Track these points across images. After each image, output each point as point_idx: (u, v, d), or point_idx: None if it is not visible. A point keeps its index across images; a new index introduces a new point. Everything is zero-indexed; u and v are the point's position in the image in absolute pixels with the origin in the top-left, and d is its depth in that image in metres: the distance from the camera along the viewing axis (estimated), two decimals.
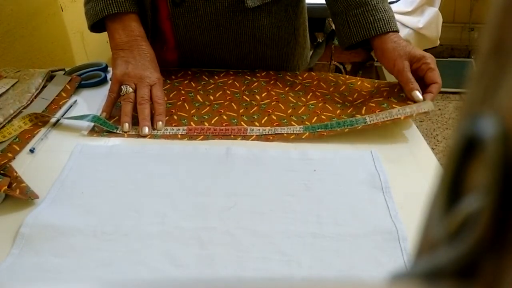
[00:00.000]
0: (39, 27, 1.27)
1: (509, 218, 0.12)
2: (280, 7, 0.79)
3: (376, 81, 0.78)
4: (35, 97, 0.74)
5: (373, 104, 0.68)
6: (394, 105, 0.66)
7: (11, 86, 0.75)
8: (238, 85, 0.78)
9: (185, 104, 0.73)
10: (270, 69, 0.83)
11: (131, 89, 0.68)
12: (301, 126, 0.67)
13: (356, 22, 0.72)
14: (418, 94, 0.66)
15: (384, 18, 0.70)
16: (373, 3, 0.71)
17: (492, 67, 0.13)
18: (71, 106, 0.73)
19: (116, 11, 0.71)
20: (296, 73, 0.83)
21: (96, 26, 0.75)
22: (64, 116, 0.69)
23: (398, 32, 0.72)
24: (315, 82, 0.79)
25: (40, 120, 0.68)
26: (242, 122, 0.68)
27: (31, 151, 0.62)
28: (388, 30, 0.70)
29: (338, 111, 0.71)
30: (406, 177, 0.58)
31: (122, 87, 0.69)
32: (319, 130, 0.65)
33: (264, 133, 0.66)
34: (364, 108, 0.68)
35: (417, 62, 0.68)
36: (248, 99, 0.74)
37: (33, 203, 0.53)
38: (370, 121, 0.64)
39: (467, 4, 2.39)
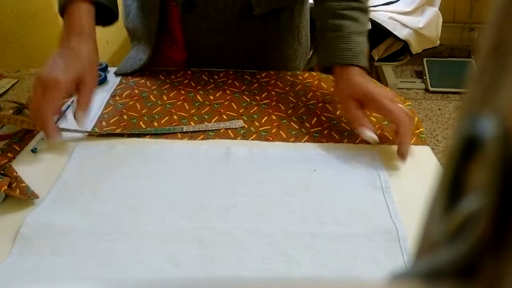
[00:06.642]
0: (39, 27, 1.27)
1: (509, 218, 0.12)
2: (286, 12, 0.80)
3: (377, 83, 0.78)
4: None
5: (374, 119, 0.69)
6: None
7: (11, 86, 0.75)
8: (238, 85, 0.78)
9: (185, 103, 0.73)
10: (275, 70, 0.83)
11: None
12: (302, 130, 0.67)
13: (328, 46, 0.68)
14: (365, 132, 0.61)
15: (353, 49, 0.65)
16: (347, 31, 0.66)
17: (492, 67, 0.13)
18: (69, 106, 0.72)
19: None
20: (296, 73, 0.83)
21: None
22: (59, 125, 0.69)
23: (366, 69, 0.66)
24: (315, 82, 0.79)
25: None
26: (242, 122, 0.68)
27: (33, 151, 0.62)
28: (352, 63, 0.64)
29: (338, 112, 0.71)
30: (406, 177, 0.58)
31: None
32: (317, 136, 0.66)
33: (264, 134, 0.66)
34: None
35: (372, 101, 0.62)
36: (248, 99, 0.74)
37: (33, 203, 0.53)
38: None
39: (467, 4, 2.39)
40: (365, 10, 0.69)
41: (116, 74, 0.80)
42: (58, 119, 0.68)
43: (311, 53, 1.78)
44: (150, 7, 0.77)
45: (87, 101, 0.63)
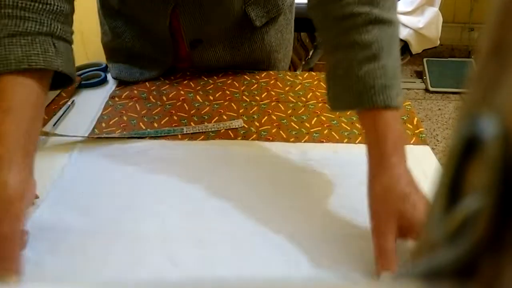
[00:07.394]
0: None
1: (509, 218, 0.12)
2: (282, 15, 0.82)
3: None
4: None
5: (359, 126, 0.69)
6: None
7: None
8: (237, 85, 0.78)
9: (185, 104, 0.73)
10: (277, 69, 0.85)
11: None
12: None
13: (334, 85, 0.53)
14: (383, 273, 0.42)
15: (362, 90, 0.48)
16: (353, 63, 0.49)
17: (492, 67, 0.13)
18: (68, 107, 0.72)
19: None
20: (296, 73, 0.83)
21: None
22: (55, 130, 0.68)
23: (395, 108, 0.48)
24: (315, 82, 0.80)
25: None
26: (242, 122, 0.69)
27: None
28: (367, 106, 0.48)
29: (338, 112, 0.71)
30: None
31: None
32: (317, 136, 0.66)
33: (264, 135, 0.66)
34: None
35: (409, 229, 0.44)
36: (248, 99, 0.74)
37: (33, 203, 0.52)
38: None
39: (467, 4, 2.39)
40: (383, 22, 0.49)
41: (116, 79, 0.79)
42: None
43: (311, 53, 1.77)
44: (160, 43, 0.77)
45: (11, 265, 0.40)
